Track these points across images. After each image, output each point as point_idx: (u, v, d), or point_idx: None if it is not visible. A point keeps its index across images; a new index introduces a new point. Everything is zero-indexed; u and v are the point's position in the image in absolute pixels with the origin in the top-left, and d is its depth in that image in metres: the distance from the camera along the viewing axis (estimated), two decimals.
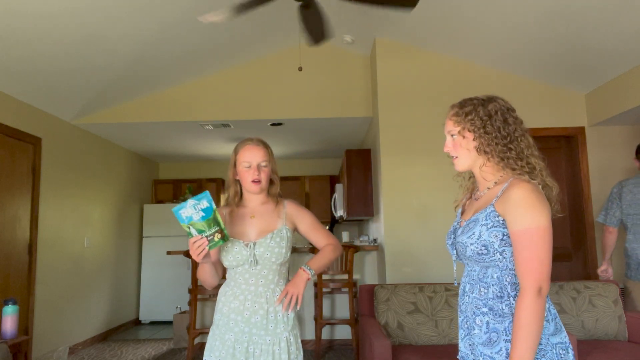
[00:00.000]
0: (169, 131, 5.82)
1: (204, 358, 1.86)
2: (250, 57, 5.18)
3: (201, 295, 4.82)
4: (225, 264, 1.87)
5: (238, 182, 1.94)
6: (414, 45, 4.68)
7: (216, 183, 7.95)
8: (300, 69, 4.13)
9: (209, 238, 1.64)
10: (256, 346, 1.80)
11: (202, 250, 1.66)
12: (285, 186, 8.79)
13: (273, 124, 5.54)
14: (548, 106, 4.62)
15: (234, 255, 1.83)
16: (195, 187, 7.83)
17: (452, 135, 1.50)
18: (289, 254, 1.90)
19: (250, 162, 1.88)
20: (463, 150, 1.48)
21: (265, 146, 1.93)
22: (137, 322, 6.91)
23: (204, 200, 1.63)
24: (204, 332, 4.62)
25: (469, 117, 1.45)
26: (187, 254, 4.57)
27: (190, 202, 1.63)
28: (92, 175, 5.77)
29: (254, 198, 1.95)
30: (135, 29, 3.90)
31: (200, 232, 1.64)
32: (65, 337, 5.05)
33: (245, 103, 5.24)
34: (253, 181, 1.88)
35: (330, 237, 1.99)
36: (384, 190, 4.53)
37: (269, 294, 1.84)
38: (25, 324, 4.38)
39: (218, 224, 1.65)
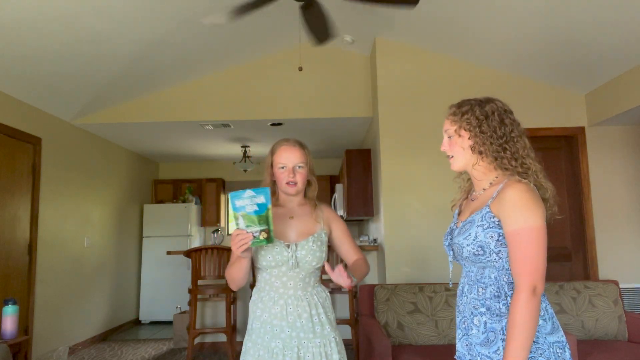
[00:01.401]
0: (169, 131, 5.82)
1: None
2: (250, 57, 5.18)
3: (201, 295, 4.82)
4: (263, 264, 1.78)
5: (275, 183, 1.89)
6: (414, 45, 4.68)
7: (216, 183, 7.95)
8: (300, 69, 4.13)
9: (254, 234, 1.59)
10: (307, 350, 1.74)
11: (243, 244, 1.60)
12: None
13: (273, 124, 5.54)
14: (548, 106, 4.61)
15: (274, 256, 1.76)
16: (195, 187, 7.84)
17: (448, 135, 1.52)
18: (325, 257, 1.84)
19: (286, 164, 1.83)
20: (458, 148, 1.49)
21: (302, 147, 1.87)
22: (137, 322, 6.91)
23: (262, 196, 1.60)
24: (204, 332, 4.62)
25: (465, 117, 1.47)
26: (187, 254, 4.57)
27: (248, 192, 1.59)
28: (92, 175, 5.77)
29: (291, 199, 1.89)
30: (136, 29, 3.90)
31: (247, 225, 1.59)
32: (65, 337, 5.05)
33: (245, 103, 5.24)
34: (288, 183, 1.83)
35: (360, 251, 1.94)
36: (384, 190, 4.53)
37: (309, 297, 1.79)
38: (25, 324, 4.38)
39: (268, 223, 1.60)
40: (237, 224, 1.60)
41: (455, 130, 1.49)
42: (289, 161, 1.83)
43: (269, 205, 1.61)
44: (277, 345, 1.73)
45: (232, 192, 1.60)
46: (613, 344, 3.31)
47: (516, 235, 1.33)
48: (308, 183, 1.90)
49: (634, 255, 4.46)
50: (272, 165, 1.88)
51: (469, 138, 1.46)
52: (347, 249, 1.93)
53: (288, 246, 1.78)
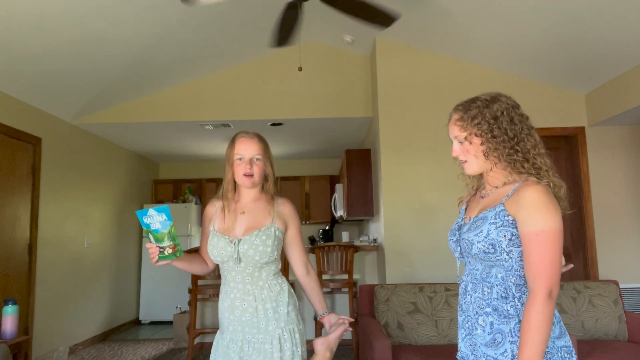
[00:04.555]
0: (169, 131, 5.82)
1: (210, 356, 1.87)
2: (250, 57, 5.18)
3: (201, 295, 4.81)
4: (212, 259, 1.87)
5: (233, 176, 1.90)
6: (414, 45, 4.68)
7: (216, 183, 7.95)
8: (300, 69, 4.13)
9: (161, 249, 1.71)
10: (249, 345, 1.78)
11: (153, 258, 1.71)
12: (285, 186, 8.80)
13: (273, 124, 5.54)
14: (548, 106, 4.62)
15: (218, 251, 1.82)
16: (195, 187, 7.84)
17: (459, 141, 1.47)
18: (276, 253, 1.83)
19: (243, 155, 1.83)
20: (471, 155, 1.45)
21: (261, 140, 1.88)
22: (137, 322, 6.91)
23: (163, 214, 1.69)
24: (204, 332, 4.62)
25: (475, 122, 1.42)
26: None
27: (151, 211, 1.69)
28: (92, 175, 5.77)
29: (246, 193, 1.90)
30: (136, 29, 3.90)
31: (156, 240, 1.70)
32: (65, 337, 5.05)
33: (245, 103, 5.24)
34: (244, 175, 1.83)
35: (305, 256, 1.96)
36: (384, 190, 4.53)
37: (257, 292, 1.80)
38: (25, 324, 4.38)
39: (173, 239, 1.72)
40: (149, 239, 1.71)
41: (466, 137, 1.44)
42: (247, 153, 1.83)
43: (171, 223, 1.70)
44: (226, 337, 1.82)
45: (138, 210, 1.72)
46: (613, 344, 3.31)
47: (535, 237, 1.30)
48: (266, 178, 1.90)
49: (634, 255, 4.46)
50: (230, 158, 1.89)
51: (481, 144, 1.42)
52: (294, 252, 1.94)
53: (232, 241, 1.81)
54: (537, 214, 1.31)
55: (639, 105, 3.89)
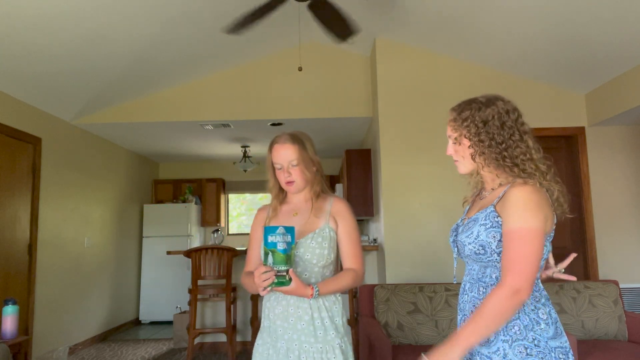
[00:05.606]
0: (169, 131, 5.82)
1: None
2: (251, 57, 5.18)
3: (201, 295, 4.82)
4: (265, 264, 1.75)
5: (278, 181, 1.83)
6: (414, 45, 4.68)
7: (216, 183, 7.95)
8: (300, 69, 4.13)
9: (279, 273, 1.56)
10: (308, 354, 1.67)
11: (266, 282, 1.56)
12: None
13: (273, 124, 5.54)
14: (548, 106, 4.62)
15: None
16: (195, 187, 7.84)
17: (452, 141, 1.51)
18: (332, 255, 1.75)
19: (281, 164, 1.76)
20: (459, 156, 1.50)
21: (295, 141, 1.77)
22: (137, 322, 6.91)
23: (289, 235, 1.58)
24: (204, 332, 4.62)
25: (465, 124, 1.45)
26: (187, 254, 4.57)
27: (281, 229, 1.58)
28: (92, 175, 5.78)
29: (296, 195, 1.84)
30: (136, 30, 3.90)
31: (275, 263, 1.56)
32: (65, 337, 5.05)
33: (245, 103, 5.24)
34: (286, 183, 1.78)
35: (357, 261, 1.78)
36: (384, 190, 4.53)
37: (312, 300, 1.69)
38: (25, 324, 4.38)
39: (291, 263, 1.59)
40: (266, 260, 1.58)
41: (457, 138, 1.48)
42: (283, 160, 1.76)
43: (293, 244, 1.60)
44: (282, 346, 1.70)
45: (266, 226, 1.59)
46: (613, 344, 3.31)
47: (512, 234, 1.32)
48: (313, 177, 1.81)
49: (634, 255, 4.46)
50: (272, 165, 1.82)
51: (469, 147, 1.46)
52: (345, 252, 1.79)
53: None
54: (516, 212, 1.33)
55: (639, 105, 3.89)
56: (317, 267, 1.72)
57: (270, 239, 1.55)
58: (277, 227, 1.57)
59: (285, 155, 1.76)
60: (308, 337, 1.68)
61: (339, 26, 3.27)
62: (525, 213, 1.32)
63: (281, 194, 1.85)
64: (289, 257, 1.57)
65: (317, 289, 1.65)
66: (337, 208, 1.80)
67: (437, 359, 1.30)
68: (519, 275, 1.29)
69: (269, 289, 1.58)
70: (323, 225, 1.76)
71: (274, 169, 1.81)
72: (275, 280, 1.56)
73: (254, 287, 1.66)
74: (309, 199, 1.83)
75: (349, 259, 1.78)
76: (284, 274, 1.56)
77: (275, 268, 1.56)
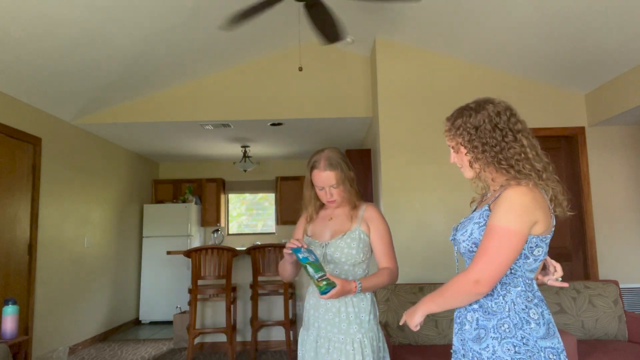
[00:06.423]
0: (169, 131, 5.82)
1: (298, 350, 2.01)
2: (251, 57, 5.18)
3: (201, 295, 4.82)
4: None
5: (316, 195, 2.05)
6: (414, 45, 4.68)
7: (216, 183, 7.95)
8: (300, 69, 4.13)
9: (320, 279, 1.74)
10: (331, 343, 1.87)
11: (292, 245, 1.81)
12: (285, 186, 8.79)
13: (273, 124, 5.54)
14: (548, 106, 4.62)
15: None
16: (195, 187, 7.84)
17: (452, 150, 1.57)
18: (361, 255, 1.93)
19: (322, 186, 1.98)
20: (460, 162, 1.55)
21: (332, 169, 1.96)
22: (137, 322, 6.91)
23: (308, 249, 1.82)
24: (204, 332, 4.62)
25: (459, 132, 1.50)
26: (187, 254, 4.57)
27: (303, 247, 1.83)
28: (92, 175, 5.77)
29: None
30: (136, 29, 3.90)
31: (317, 270, 1.75)
32: (65, 337, 5.05)
33: (245, 103, 5.24)
34: (328, 202, 2.00)
35: (391, 260, 1.97)
36: (384, 190, 4.53)
37: None
38: (25, 324, 4.38)
39: (324, 270, 1.77)
40: (308, 273, 1.77)
41: (454, 147, 1.54)
42: (324, 183, 1.97)
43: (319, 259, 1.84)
44: (313, 333, 1.94)
45: (292, 248, 1.81)
46: (613, 344, 3.31)
47: (490, 229, 1.36)
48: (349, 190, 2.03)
49: (634, 255, 4.46)
50: (312, 182, 2.03)
51: (465, 154, 1.50)
52: (379, 254, 1.98)
53: (321, 245, 1.96)
54: (501, 211, 1.36)
55: (639, 105, 3.89)
56: (346, 265, 1.92)
57: (301, 255, 1.78)
58: (300, 248, 1.80)
59: (326, 179, 1.96)
60: (332, 327, 1.89)
61: (328, 29, 3.30)
62: (508, 214, 1.34)
63: (318, 201, 2.08)
64: (321, 265, 1.79)
65: (359, 283, 1.82)
66: (369, 214, 2.00)
67: (407, 315, 1.50)
68: (482, 268, 1.34)
69: (321, 295, 1.73)
70: (354, 228, 1.96)
71: (311, 183, 2.03)
72: (323, 288, 1.72)
73: (280, 269, 2.03)
74: (343, 206, 2.04)
75: (384, 258, 1.97)
76: (325, 278, 1.74)
77: (318, 275, 1.74)
